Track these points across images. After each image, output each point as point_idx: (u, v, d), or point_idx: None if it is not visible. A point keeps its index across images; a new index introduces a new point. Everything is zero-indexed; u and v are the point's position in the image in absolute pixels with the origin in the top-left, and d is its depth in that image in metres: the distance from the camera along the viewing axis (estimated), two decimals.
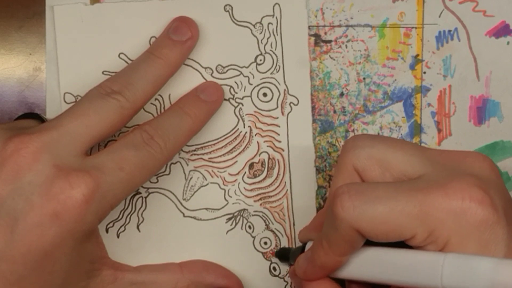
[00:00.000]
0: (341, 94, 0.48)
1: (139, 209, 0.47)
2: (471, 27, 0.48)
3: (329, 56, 0.48)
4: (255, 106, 0.48)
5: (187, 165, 0.47)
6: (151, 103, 0.47)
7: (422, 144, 0.48)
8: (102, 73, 0.47)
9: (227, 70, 0.47)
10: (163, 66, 0.45)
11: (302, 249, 0.44)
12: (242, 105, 0.47)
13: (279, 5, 0.47)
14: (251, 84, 0.47)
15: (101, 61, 0.47)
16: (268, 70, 0.47)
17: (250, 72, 0.47)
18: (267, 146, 0.48)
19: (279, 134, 0.48)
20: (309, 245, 0.43)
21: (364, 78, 0.48)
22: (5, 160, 0.40)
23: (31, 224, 0.39)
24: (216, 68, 0.47)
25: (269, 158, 0.48)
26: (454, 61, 0.48)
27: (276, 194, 0.48)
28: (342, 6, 0.48)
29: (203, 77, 0.47)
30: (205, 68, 0.47)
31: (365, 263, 0.39)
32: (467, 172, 0.38)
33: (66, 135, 0.41)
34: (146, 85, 0.44)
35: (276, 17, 0.47)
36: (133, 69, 0.45)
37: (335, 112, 0.48)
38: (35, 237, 0.39)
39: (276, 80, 0.47)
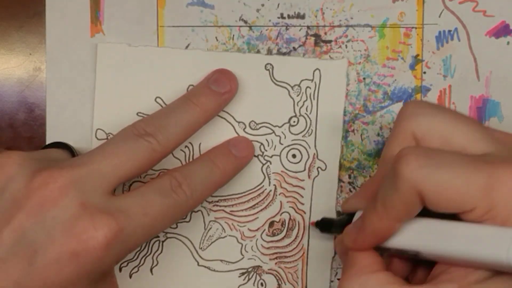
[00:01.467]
0: None
1: (155, 252, 0.48)
2: (471, 27, 0.48)
3: (329, 56, 0.48)
4: (283, 166, 0.48)
5: (208, 215, 0.48)
6: (181, 150, 0.48)
7: None
8: (137, 114, 0.48)
9: (259, 127, 0.48)
10: (198, 113, 0.45)
11: (347, 219, 0.43)
12: (270, 163, 0.48)
13: (319, 70, 0.47)
14: (282, 144, 0.48)
15: (137, 102, 0.48)
16: (301, 132, 0.48)
17: (282, 132, 0.48)
18: (290, 206, 0.48)
19: (302, 197, 0.48)
20: (357, 215, 0.42)
21: (364, 78, 0.48)
22: (32, 192, 0.40)
23: (50, 259, 0.39)
24: (249, 123, 0.47)
25: (290, 218, 0.48)
26: (454, 61, 0.48)
27: (292, 255, 0.48)
28: (342, 6, 0.48)
29: (236, 131, 0.48)
30: (239, 122, 0.48)
31: (419, 233, 0.38)
32: None
33: (95, 173, 0.41)
34: (180, 130, 0.44)
35: (315, 82, 0.47)
36: (168, 113, 0.45)
37: None
38: (52, 273, 0.39)
39: (307, 143, 0.47)
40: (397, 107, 0.48)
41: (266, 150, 0.48)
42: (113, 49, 0.47)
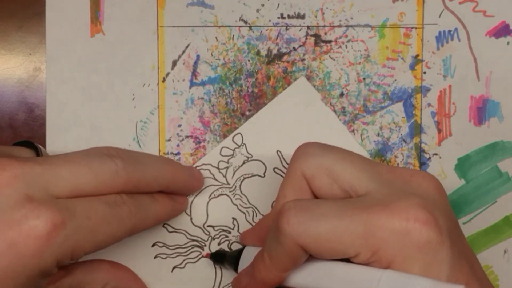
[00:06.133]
0: (341, 94, 0.48)
1: None
2: (471, 27, 0.48)
3: (329, 56, 0.48)
4: None
5: None
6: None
7: (422, 145, 0.48)
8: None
9: None
10: (172, 172, 0.45)
11: (238, 254, 0.44)
12: None
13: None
14: None
15: None
16: None
17: None
18: None
19: None
20: (246, 251, 0.44)
21: (364, 78, 0.48)
22: None
23: None
24: None
25: None
26: (454, 61, 0.48)
27: None
28: (342, 6, 0.48)
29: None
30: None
31: (305, 273, 0.39)
32: (413, 192, 0.38)
33: (50, 173, 0.39)
34: (150, 171, 0.43)
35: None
36: (145, 154, 0.45)
37: (335, 112, 0.48)
38: None
39: None
40: (397, 107, 0.48)
41: None
42: None
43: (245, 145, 0.48)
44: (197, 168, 0.49)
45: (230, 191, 0.48)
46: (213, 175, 0.49)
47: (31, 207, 0.38)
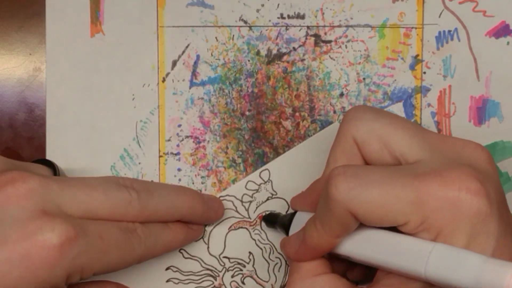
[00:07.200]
0: (341, 94, 0.48)
1: None
2: (471, 27, 0.48)
3: (329, 56, 0.48)
4: None
5: None
6: None
7: None
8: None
9: None
10: (189, 204, 0.45)
11: (290, 217, 0.44)
12: None
13: None
14: None
15: None
16: None
17: None
18: None
19: None
20: (298, 215, 0.44)
21: (364, 78, 0.48)
22: None
23: (0, 259, 0.37)
24: None
25: None
26: (454, 61, 0.48)
27: None
28: (342, 6, 0.48)
29: None
30: None
31: (356, 241, 0.39)
32: (465, 162, 0.38)
33: (65, 192, 0.40)
34: (163, 204, 0.44)
35: None
36: (161, 185, 0.45)
37: (335, 112, 0.48)
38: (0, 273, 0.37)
39: None
40: (397, 107, 0.48)
41: None
42: None
43: (271, 181, 0.48)
44: (221, 198, 0.48)
45: (250, 225, 0.48)
46: (236, 207, 0.48)
47: (46, 220, 0.38)
